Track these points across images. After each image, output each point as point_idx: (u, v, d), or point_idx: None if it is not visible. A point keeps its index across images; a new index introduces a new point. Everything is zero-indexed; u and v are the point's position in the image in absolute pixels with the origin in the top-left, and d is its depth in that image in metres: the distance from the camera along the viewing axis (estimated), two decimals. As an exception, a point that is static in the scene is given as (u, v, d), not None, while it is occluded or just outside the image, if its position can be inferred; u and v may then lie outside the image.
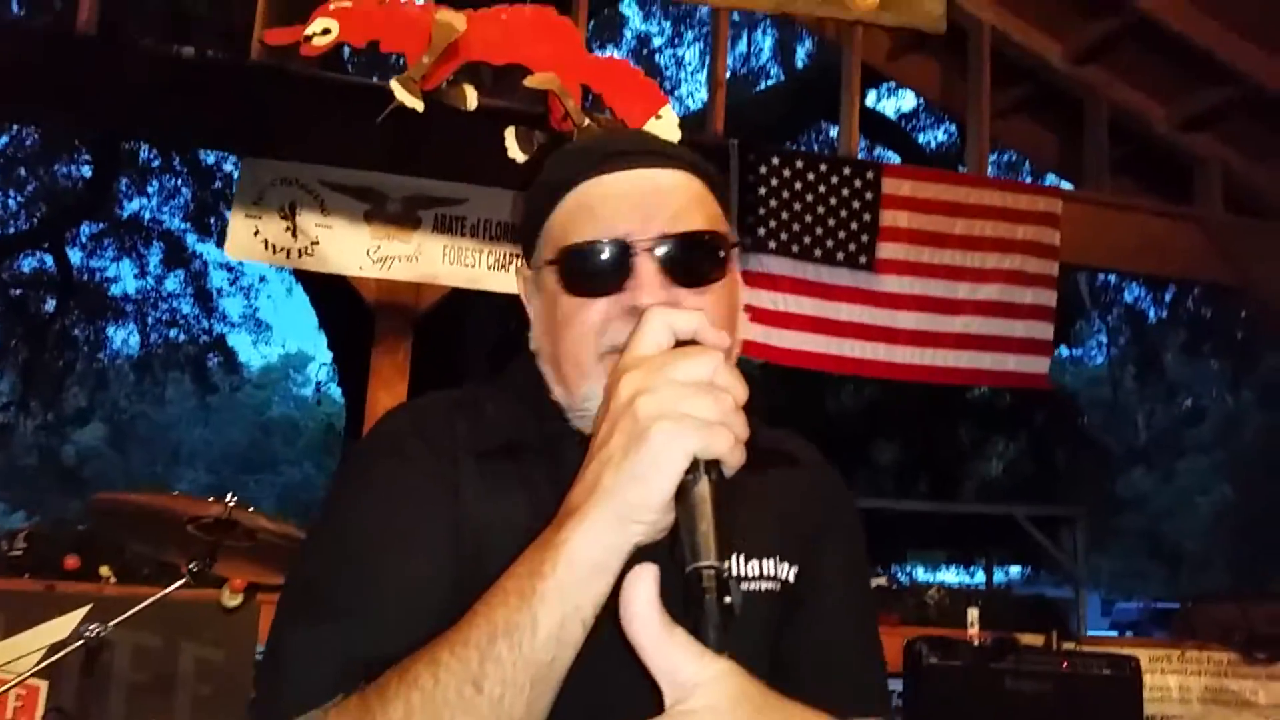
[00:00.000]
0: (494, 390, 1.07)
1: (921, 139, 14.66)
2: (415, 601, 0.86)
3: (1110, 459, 20.01)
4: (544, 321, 1.02)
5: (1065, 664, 4.14)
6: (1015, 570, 20.61)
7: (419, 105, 2.53)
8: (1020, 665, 4.09)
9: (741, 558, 1.01)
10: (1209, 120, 5.96)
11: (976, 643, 4.32)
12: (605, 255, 0.95)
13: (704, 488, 0.72)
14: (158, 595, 2.13)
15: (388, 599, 0.88)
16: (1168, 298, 16.85)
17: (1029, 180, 10.08)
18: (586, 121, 2.39)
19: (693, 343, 0.78)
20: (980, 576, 18.69)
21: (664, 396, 0.73)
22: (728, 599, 0.67)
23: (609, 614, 0.74)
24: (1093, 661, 4.19)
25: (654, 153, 1.02)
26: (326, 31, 2.43)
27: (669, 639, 0.60)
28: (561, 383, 1.00)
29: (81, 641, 2.03)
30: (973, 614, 4.46)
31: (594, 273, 0.95)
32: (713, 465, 0.72)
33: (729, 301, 1.01)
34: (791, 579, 1.03)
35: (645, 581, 0.62)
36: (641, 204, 0.97)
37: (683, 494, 0.72)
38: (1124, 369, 21.41)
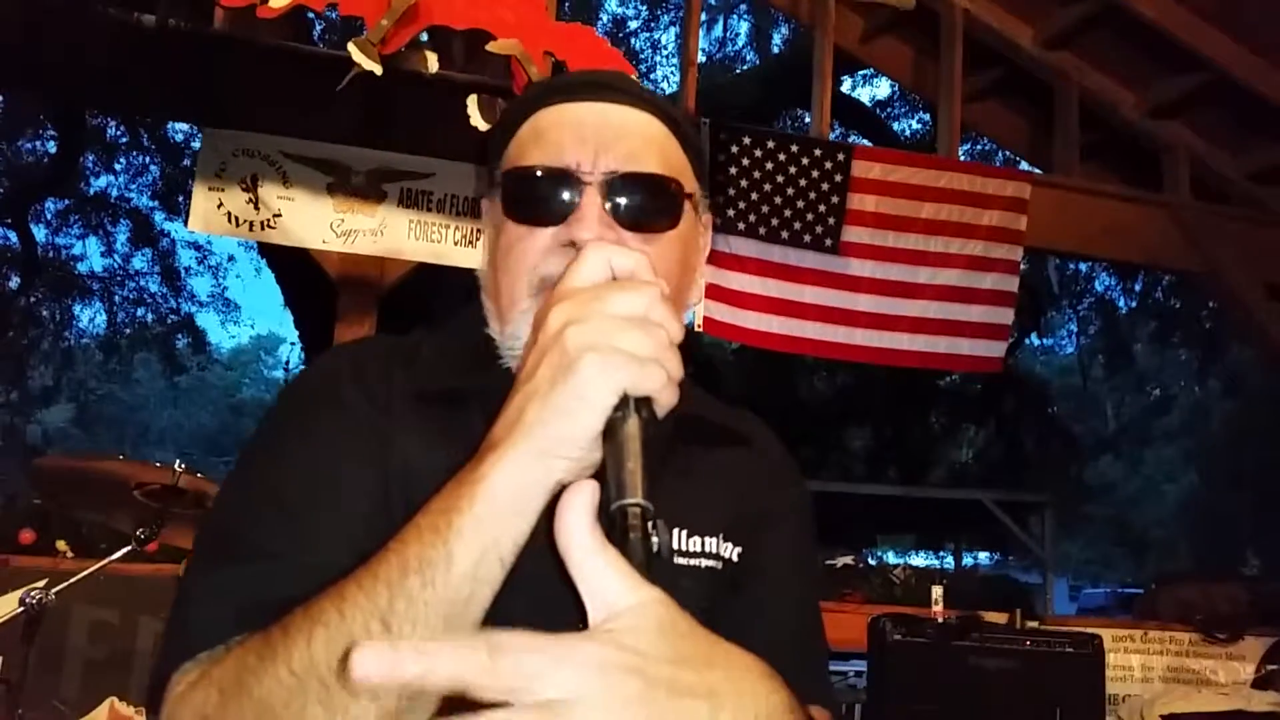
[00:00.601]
0: (439, 336, 1.03)
1: (896, 127, 14.70)
2: (333, 548, 0.81)
3: (1079, 447, 20.19)
4: (489, 252, 0.99)
5: (1029, 641, 4.15)
6: (984, 556, 20.79)
7: (377, 68, 2.49)
8: (984, 642, 4.10)
9: (684, 533, 0.97)
10: (1177, 107, 5.99)
11: (941, 620, 4.33)
12: (548, 183, 0.91)
13: (633, 425, 0.69)
14: (104, 562, 2.09)
15: (304, 544, 0.83)
16: (1137, 288, 17.00)
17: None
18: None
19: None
20: (950, 561, 18.85)
21: (595, 328, 0.70)
22: (653, 539, 0.64)
23: (530, 553, 0.72)
24: (1056, 639, 4.20)
25: (621, 89, 0.97)
26: (283, -7, 2.41)
27: (601, 557, 0.56)
28: (497, 317, 0.96)
29: (22, 609, 1.98)
30: (937, 592, 4.48)
31: (536, 199, 0.92)
32: (643, 403, 0.69)
33: (679, 254, 0.96)
34: (735, 558, 0.99)
35: (582, 495, 0.57)
36: (594, 136, 0.92)
37: (611, 431, 0.69)
38: (1094, 358, 21.62)
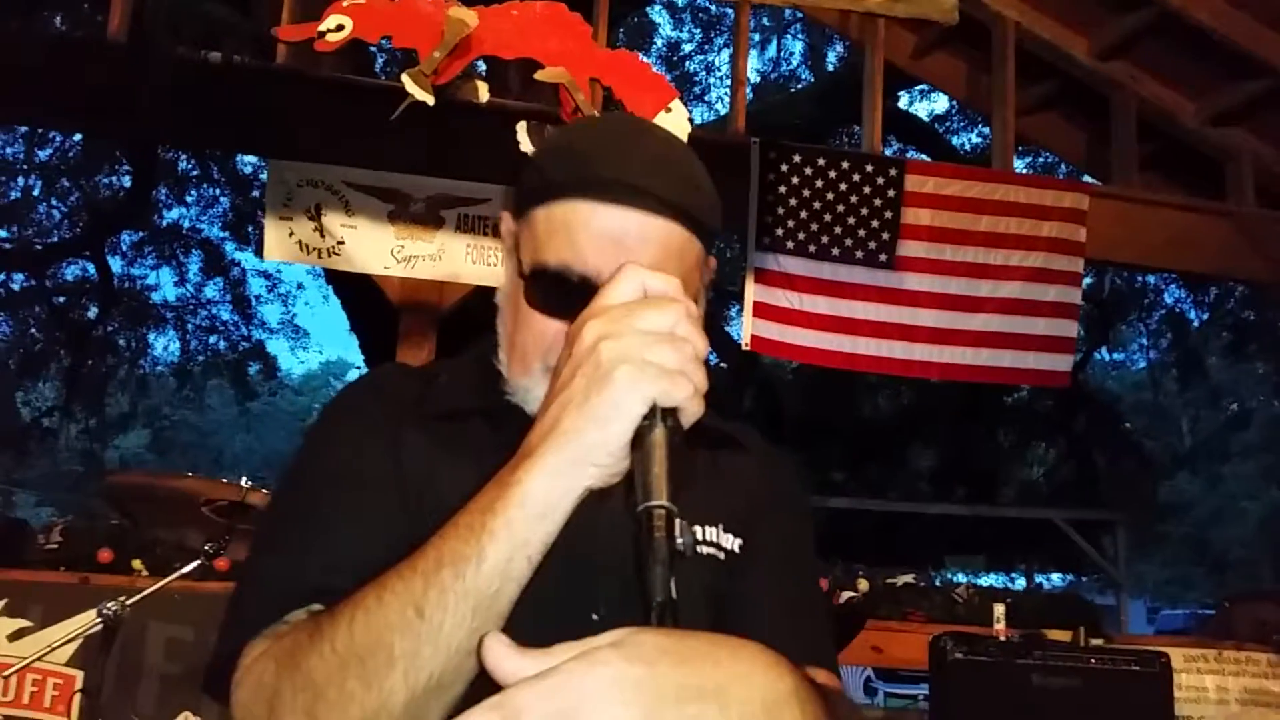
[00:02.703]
0: (454, 365, 1.13)
1: (955, 141, 14.56)
2: (355, 539, 0.92)
3: (1152, 464, 19.66)
4: (509, 296, 1.06)
5: (1093, 660, 4.08)
6: (1057, 577, 20.32)
7: (429, 99, 2.58)
8: (1047, 661, 4.04)
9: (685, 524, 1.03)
10: (1239, 114, 5.89)
11: (1003, 638, 4.28)
12: (570, 285, 0.96)
13: (660, 434, 0.73)
14: (174, 576, 2.18)
15: (333, 536, 0.93)
16: (1209, 300, 16.58)
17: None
18: (596, 114, 2.43)
19: None
20: (1021, 583, 18.45)
21: (627, 343, 0.74)
22: (677, 539, 0.68)
23: (560, 550, 0.78)
24: (1121, 657, 4.12)
25: (649, 194, 0.98)
26: (340, 28, 2.50)
27: (553, 656, 0.59)
28: (508, 362, 1.04)
29: (100, 621, 2.09)
30: (999, 610, 4.43)
31: (557, 296, 0.97)
32: (670, 413, 0.74)
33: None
34: (736, 549, 1.06)
35: (494, 646, 0.60)
36: (617, 247, 0.95)
37: (639, 439, 0.73)
38: (1167, 373, 21.09)
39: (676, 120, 2.57)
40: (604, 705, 0.54)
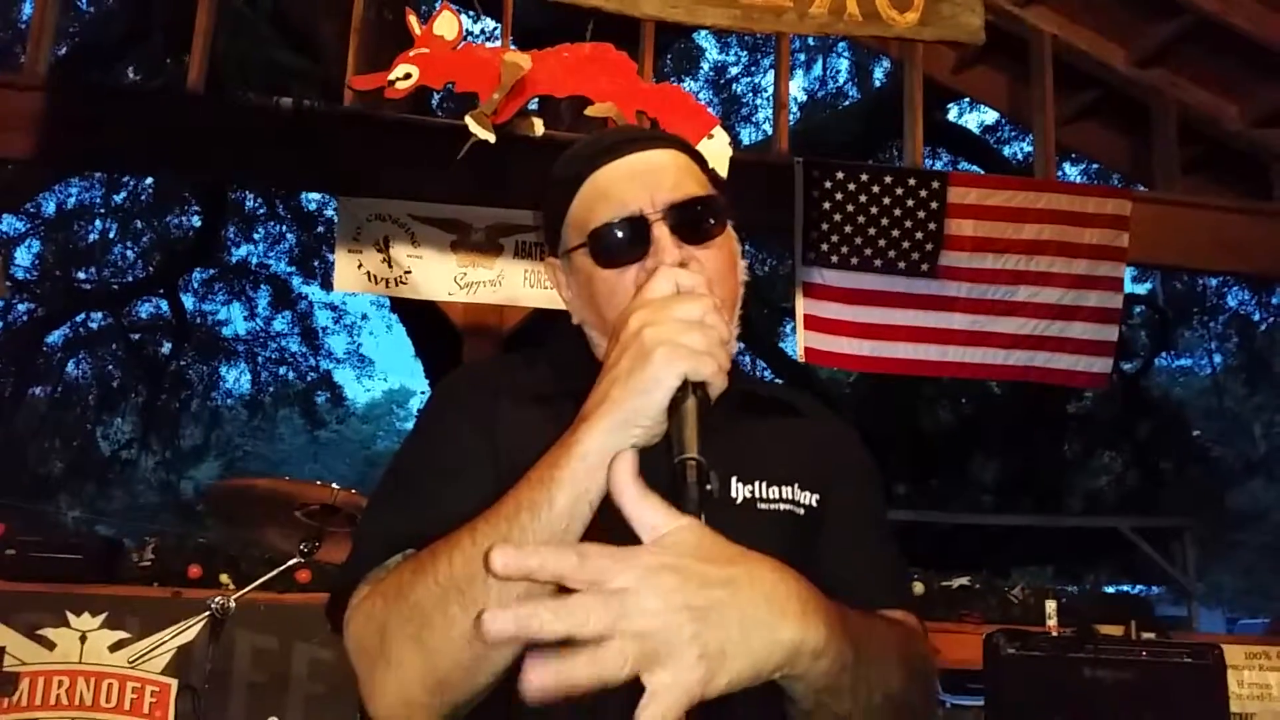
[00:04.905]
0: (545, 352, 1.31)
1: (1007, 151, 14.54)
2: (459, 499, 1.06)
3: (1221, 470, 19.24)
4: (584, 297, 1.21)
5: (1144, 653, 4.13)
6: (1127, 588, 19.93)
7: (491, 137, 2.81)
8: (1098, 654, 4.10)
9: (763, 484, 1.18)
10: (1284, 115, 5.92)
11: (1055, 634, 4.35)
12: (626, 231, 1.13)
13: (691, 403, 0.91)
14: (273, 573, 2.41)
15: (440, 497, 1.11)
16: (1275, 301, 16.28)
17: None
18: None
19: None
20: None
21: (665, 329, 0.93)
22: (708, 485, 0.84)
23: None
24: (1173, 650, 4.16)
25: (643, 138, 1.21)
26: (408, 76, 2.74)
27: (644, 500, 0.76)
28: (603, 340, 1.18)
29: (209, 614, 2.31)
30: (1050, 607, 4.51)
31: (619, 247, 1.13)
32: (699, 385, 0.92)
33: (729, 253, 1.20)
34: (814, 504, 1.19)
35: (624, 461, 0.78)
36: (645, 182, 1.15)
37: (674, 407, 0.92)
38: (1236, 377, 20.63)
39: (718, 146, 2.75)
40: (640, 581, 0.73)
